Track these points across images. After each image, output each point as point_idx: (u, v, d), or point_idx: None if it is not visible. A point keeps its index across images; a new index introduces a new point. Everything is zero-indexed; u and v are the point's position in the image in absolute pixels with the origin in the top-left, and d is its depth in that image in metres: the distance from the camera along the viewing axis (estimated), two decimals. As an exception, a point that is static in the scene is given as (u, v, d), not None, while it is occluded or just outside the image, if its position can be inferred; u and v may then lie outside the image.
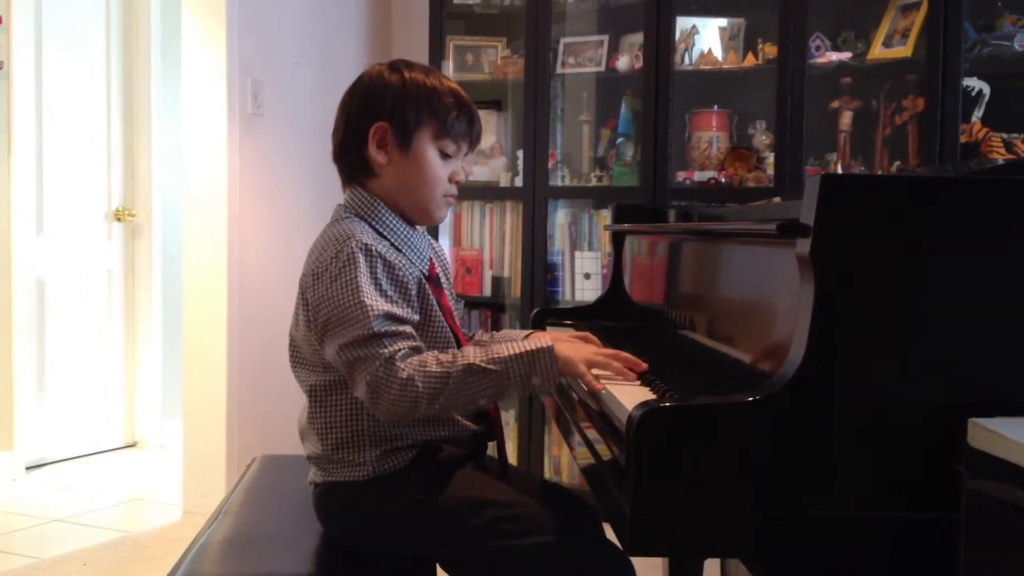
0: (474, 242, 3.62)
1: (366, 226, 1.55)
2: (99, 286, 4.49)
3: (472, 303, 3.62)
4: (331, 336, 1.45)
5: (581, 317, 2.24)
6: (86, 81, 4.38)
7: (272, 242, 3.51)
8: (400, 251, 1.56)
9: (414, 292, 1.53)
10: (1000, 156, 2.81)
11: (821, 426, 1.11)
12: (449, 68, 3.60)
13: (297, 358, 1.59)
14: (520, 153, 3.47)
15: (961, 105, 2.84)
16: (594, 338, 1.65)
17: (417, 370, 1.41)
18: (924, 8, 2.92)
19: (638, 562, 1.49)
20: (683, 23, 3.31)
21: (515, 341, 1.49)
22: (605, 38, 3.46)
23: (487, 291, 3.60)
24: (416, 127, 1.57)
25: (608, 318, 2.23)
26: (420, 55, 3.51)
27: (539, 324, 2.21)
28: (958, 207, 1.15)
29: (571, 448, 1.64)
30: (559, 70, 3.50)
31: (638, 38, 3.34)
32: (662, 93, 3.23)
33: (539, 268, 3.43)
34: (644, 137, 3.28)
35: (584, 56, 3.49)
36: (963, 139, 2.85)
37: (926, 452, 1.11)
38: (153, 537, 3.29)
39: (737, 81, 3.36)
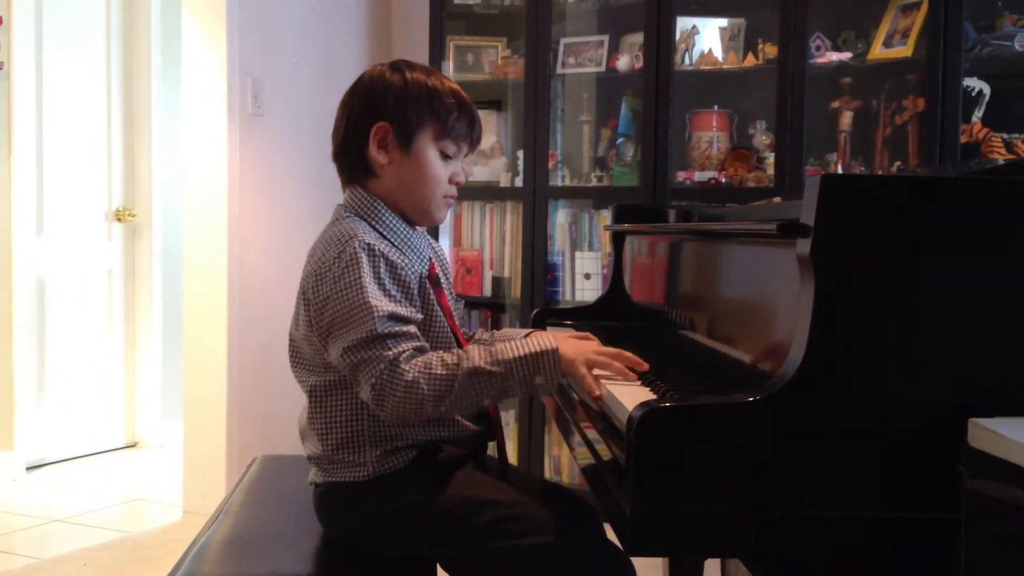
0: (474, 242, 3.62)
1: (367, 226, 1.55)
2: (99, 286, 4.49)
3: (472, 303, 3.62)
4: (335, 337, 1.45)
5: (581, 317, 2.24)
6: (86, 81, 4.38)
7: (272, 242, 3.51)
8: (401, 251, 1.56)
9: (416, 292, 1.54)
10: (1000, 156, 2.81)
11: (821, 426, 1.11)
12: (449, 68, 3.60)
13: (297, 358, 1.59)
14: (520, 153, 3.47)
15: (961, 105, 2.84)
16: (595, 339, 1.65)
17: (422, 372, 1.41)
18: (924, 8, 2.92)
19: (638, 562, 1.49)
20: (683, 23, 3.31)
21: (518, 341, 1.48)
22: (605, 38, 3.46)
23: (487, 291, 3.60)
24: (417, 127, 1.57)
25: (608, 318, 2.23)
26: (420, 55, 3.51)
27: (539, 324, 2.21)
28: (958, 207, 1.15)
29: (571, 448, 1.64)
30: (559, 70, 3.50)
31: (638, 38, 3.34)
32: (662, 93, 3.23)
33: (539, 268, 3.43)
34: (644, 137, 3.28)
35: (584, 56, 3.49)
36: (963, 139, 2.85)
37: (926, 452, 1.11)
38: (153, 537, 3.29)
39: (737, 81, 3.36)
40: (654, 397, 1.29)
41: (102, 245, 4.49)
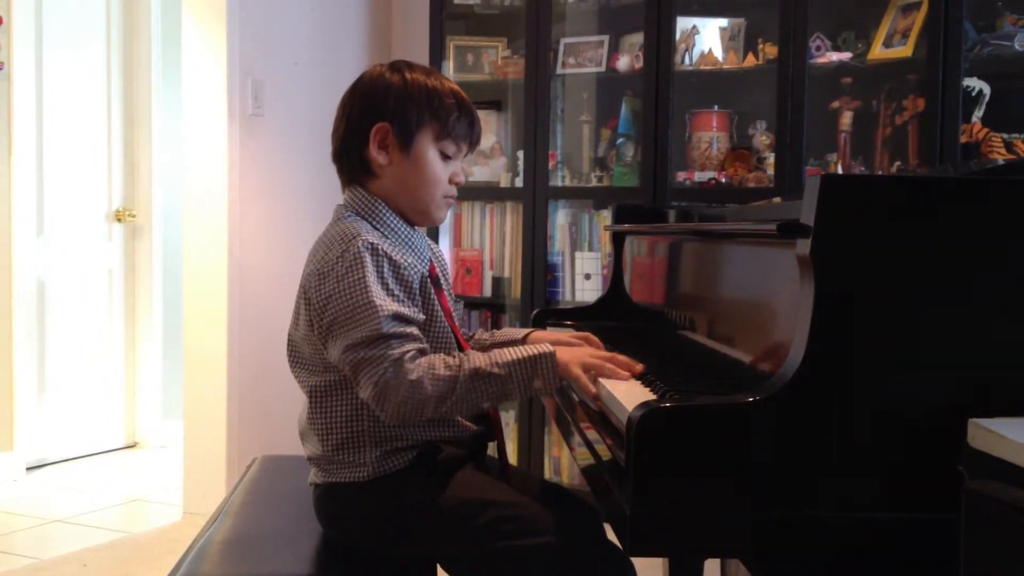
0: (474, 242, 3.62)
1: (369, 226, 1.55)
2: (99, 286, 4.49)
3: (472, 303, 3.62)
4: (337, 335, 1.45)
5: (581, 318, 2.24)
6: (87, 81, 4.38)
7: (272, 242, 3.51)
8: (403, 251, 1.56)
9: (418, 291, 1.54)
10: (1000, 156, 2.81)
11: (821, 426, 1.11)
12: (449, 68, 3.60)
13: (296, 358, 1.59)
14: (520, 153, 3.47)
15: (961, 105, 2.84)
16: (595, 339, 1.65)
17: (426, 372, 1.41)
18: (924, 8, 2.92)
19: (638, 562, 1.49)
20: (683, 23, 3.31)
21: (517, 346, 1.49)
22: (605, 38, 3.46)
23: (487, 291, 3.60)
24: (417, 128, 1.57)
25: (608, 319, 2.23)
26: (420, 55, 3.51)
27: (539, 325, 2.21)
28: (958, 207, 1.15)
29: (571, 448, 1.64)
30: (559, 70, 3.50)
31: (638, 38, 3.34)
32: (662, 93, 3.23)
33: (539, 268, 3.43)
34: (644, 137, 3.28)
35: (584, 56, 3.49)
36: (963, 139, 2.84)
37: (926, 452, 1.11)
38: (153, 537, 3.29)
39: (737, 81, 3.36)
40: (654, 398, 1.29)
41: (102, 245, 4.49)
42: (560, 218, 3.47)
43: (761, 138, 3.27)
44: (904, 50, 2.98)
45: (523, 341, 1.67)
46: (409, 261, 1.53)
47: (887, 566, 1.13)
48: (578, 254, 3.45)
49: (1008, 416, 1.06)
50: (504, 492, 1.52)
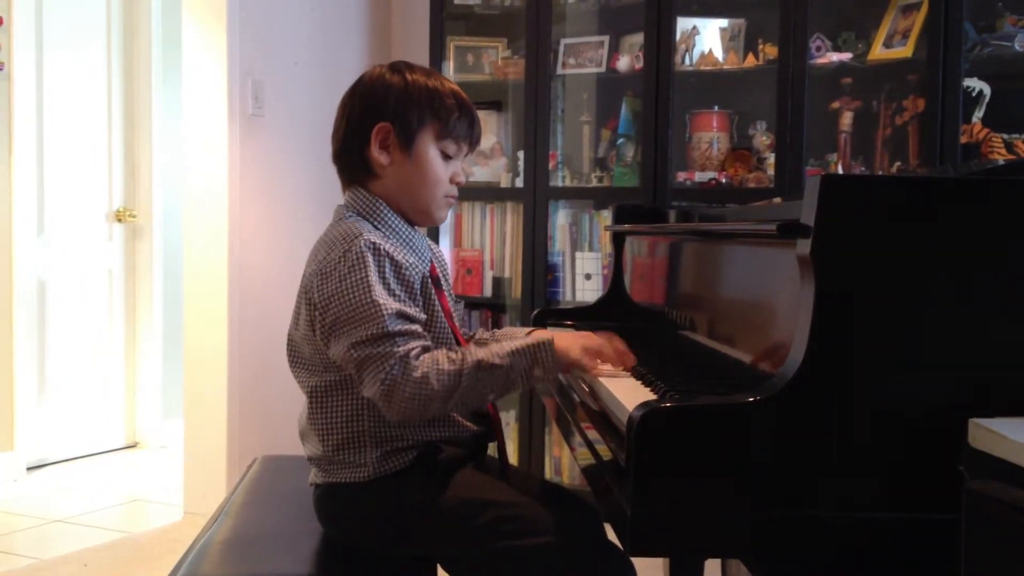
0: (475, 243, 3.62)
1: (370, 226, 1.55)
2: (100, 287, 4.49)
3: (473, 304, 3.63)
4: (340, 334, 1.45)
5: (581, 318, 2.24)
6: (87, 82, 4.39)
7: (272, 242, 3.51)
8: (404, 251, 1.56)
9: (419, 291, 1.54)
10: (1001, 157, 2.81)
11: (821, 426, 1.11)
12: (450, 69, 3.60)
13: (296, 359, 1.59)
14: (521, 154, 3.47)
15: (962, 106, 2.84)
16: (618, 338, 1.64)
17: (430, 368, 1.41)
18: (924, 8, 2.92)
19: (638, 562, 1.50)
20: (683, 24, 3.31)
21: (516, 337, 1.51)
22: (606, 39, 3.46)
23: (488, 292, 3.60)
24: (419, 128, 1.58)
25: (609, 319, 2.23)
26: (420, 56, 3.51)
27: (540, 325, 2.21)
28: (958, 208, 1.15)
29: (572, 448, 1.64)
30: (559, 71, 3.50)
31: (638, 39, 3.34)
32: (663, 94, 3.23)
33: (540, 269, 3.43)
34: (644, 138, 3.28)
35: (584, 57, 3.49)
36: (964, 140, 2.84)
37: (926, 452, 1.11)
38: (154, 537, 3.29)
39: (738, 82, 3.36)
40: (654, 397, 1.29)
41: (102, 245, 4.50)
42: (560, 218, 3.48)
43: (761, 138, 3.27)
44: (904, 50, 2.98)
45: None
46: (410, 261, 1.54)
47: (887, 566, 1.13)
48: (578, 254, 3.45)
49: (1008, 416, 1.07)
50: (504, 492, 1.52)
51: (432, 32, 3.59)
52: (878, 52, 3.06)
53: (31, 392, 4.09)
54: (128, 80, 4.56)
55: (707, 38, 3.35)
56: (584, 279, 3.43)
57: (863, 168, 3.12)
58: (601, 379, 1.50)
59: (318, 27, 3.71)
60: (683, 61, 3.31)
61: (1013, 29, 2.89)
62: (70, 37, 4.29)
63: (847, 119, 3.13)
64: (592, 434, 1.40)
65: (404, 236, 1.59)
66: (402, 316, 1.45)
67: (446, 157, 1.61)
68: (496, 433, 1.65)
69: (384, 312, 1.43)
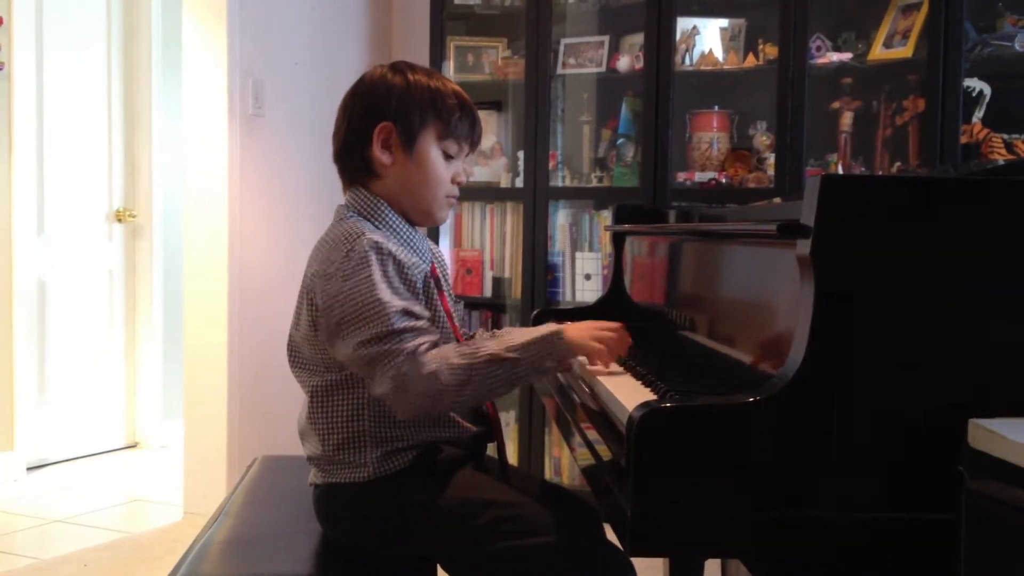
0: (475, 243, 3.62)
1: (372, 226, 1.55)
2: (100, 287, 4.49)
3: (473, 304, 3.63)
4: (347, 334, 1.45)
5: (581, 318, 2.22)
6: (87, 82, 4.39)
7: (273, 242, 3.51)
8: (406, 250, 1.56)
9: (421, 291, 1.54)
10: (1001, 157, 2.81)
11: (821, 426, 1.11)
12: (450, 69, 3.60)
13: (297, 359, 1.59)
14: (521, 154, 3.47)
15: (962, 106, 2.84)
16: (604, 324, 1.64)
17: (441, 363, 1.41)
18: (925, 9, 2.92)
19: (638, 562, 1.49)
20: (684, 24, 3.31)
21: (525, 329, 1.51)
22: (606, 39, 3.46)
23: (488, 292, 3.60)
24: (420, 128, 1.58)
25: (608, 319, 2.23)
26: (421, 56, 3.51)
27: (539, 325, 2.20)
28: (959, 208, 1.15)
29: (571, 449, 1.64)
30: (560, 71, 3.50)
31: (639, 39, 3.34)
32: (663, 94, 3.23)
33: (540, 269, 3.43)
34: (645, 138, 3.28)
35: (585, 57, 3.49)
36: (964, 140, 2.85)
37: (926, 453, 1.11)
38: (154, 537, 3.29)
39: (738, 82, 3.36)
40: (654, 397, 1.30)
41: (102, 245, 4.50)
42: (560, 218, 3.48)
43: (761, 138, 3.27)
44: (904, 51, 2.99)
45: None
46: (412, 260, 1.54)
47: (887, 566, 1.13)
48: (578, 254, 3.45)
49: (1008, 416, 1.06)
50: (504, 492, 1.52)
51: (432, 32, 3.59)
52: (878, 52, 3.06)
53: (31, 392, 4.09)
54: (128, 80, 4.56)
55: (707, 38, 3.35)
56: (584, 279, 3.43)
57: (863, 168, 3.12)
58: (601, 379, 1.50)
59: (318, 27, 3.71)
60: (683, 61, 3.32)
61: (1013, 29, 2.89)
62: (70, 37, 4.29)
63: (847, 119, 3.13)
64: (592, 434, 1.40)
65: (405, 236, 1.59)
66: (408, 313, 1.45)
67: (447, 157, 1.61)
68: (496, 433, 1.65)
69: (390, 310, 1.43)
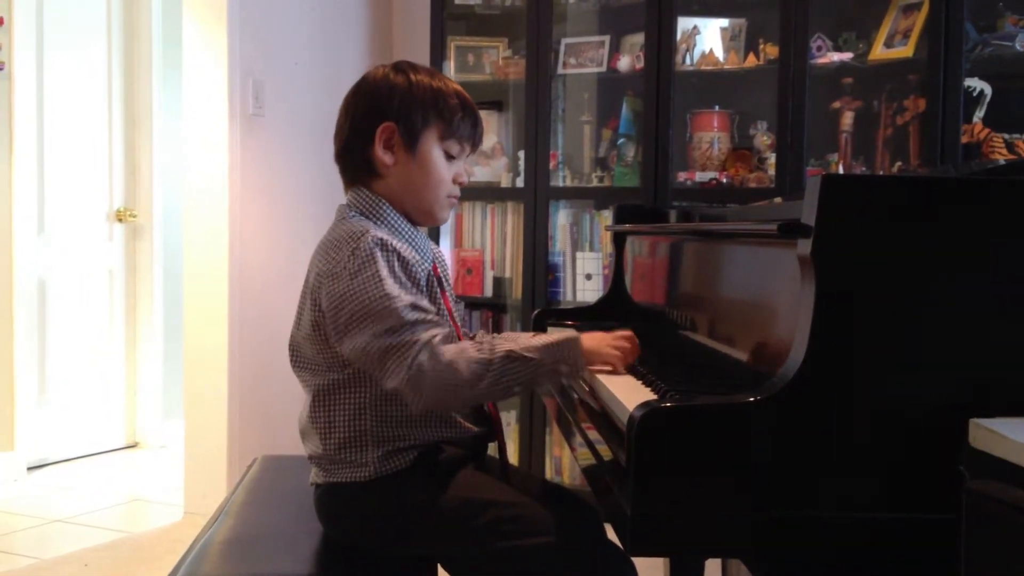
0: (475, 243, 3.62)
1: (373, 225, 1.55)
2: (100, 286, 4.49)
3: (473, 304, 3.62)
4: (358, 330, 1.44)
5: (582, 318, 2.24)
6: (87, 82, 4.39)
7: (273, 242, 3.51)
8: (408, 249, 1.56)
9: (425, 289, 1.54)
10: (1002, 156, 2.81)
11: (821, 426, 1.11)
12: (450, 69, 3.60)
13: (298, 360, 1.59)
14: (521, 154, 3.47)
15: (963, 105, 2.84)
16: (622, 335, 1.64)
17: (458, 355, 1.41)
18: (925, 8, 2.92)
19: (638, 562, 1.49)
20: (684, 23, 3.31)
21: (541, 334, 1.51)
22: (606, 38, 3.46)
23: (488, 292, 3.60)
24: (423, 128, 1.58)
25: (609, 319, 2.23)
26: (421, 56, 3.51)
27: (540, 325, 2.21)
28: (959, 208, 1.15)
29: (572, 448, 1.64)
30: (560, 70, 3.50)
31: (639, 38, 3.34)
32: (663, 93, 3.23)
33: (540, 269, 3.43)
34: (645, 137, 3.28)
35: (585, 56, 3.49)
36: (964, 140, 2.84)
37: (926, 452, 1.11)
38: (154, 537, 3.29)
39: (738, 81, 3.36)
40: (655, 397, 1.29)
41: (103, 245, 4.50)
42: (561, 218, 3.47)
43: (762, 138, 3.27)
44: (905, 50, 2.98)
45: None
46: (416, 258, 1.54)
47: (887, 566, 1.13)
48: (579, 254, 3.45)
49: (1008, 416, 1.06)
50: (505, 492, 1.52)
51: (433, 32, 3.58)
52: (879, 52, 3.06)
53: (31, 392, 4.09)
54: (128, 80, 4.56)
55: (708, 38, 3.35)
56: (585, 279, 3.43)
57: (864, 168, 3.12)
58: (602, 379, 1.50)
59: (318, 27, 3.71)
60: (684, 61, 3.31)
61: (1014, 29, 2.89)
62: (71, 37, 4.29)
63: (848, 119, 3.13)
64: (592, 434, 1.40)
65: (407, 236, 1.59)
66: (417, 307, 1.45)
67: (449, 157, 1.61)
68: (497, 433, 1.65)
69: (400, 303, 1.43)
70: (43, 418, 4.17)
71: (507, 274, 3.57)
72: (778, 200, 2.15)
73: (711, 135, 3.34)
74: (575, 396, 1.63)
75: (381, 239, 1.48)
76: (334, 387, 1.53)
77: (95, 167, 4.43)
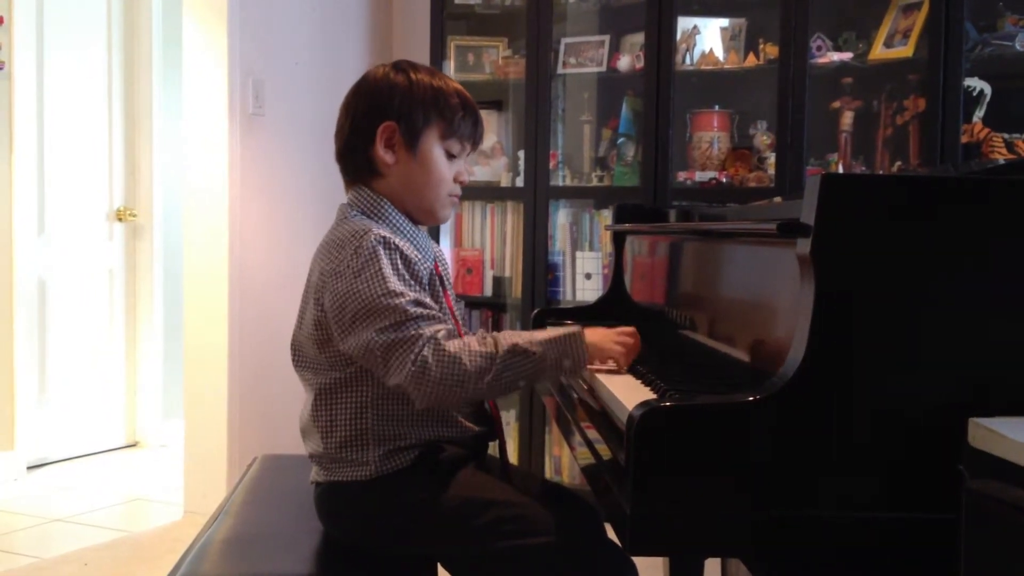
0: (475, 242, 3.62)
1: (375, 224, 1.55)
2: (100, 286, 4.49)
3: (473, 303, 3.63)
4: (361, 328, 1.44)
5: (582, 317, 2.24)
6: (87, 81, 4.39)
7: (273, 242, 3.51)
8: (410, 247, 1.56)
9: (427, 287, 1.54)
10: (1001, 156, 2.81)
11: (821, 426, 1.11)
12: (450, 68, 3.60)
13: (301, 359, 1.59)
14: (521, 153, 3.47)
15: (962, 105, 2.84)
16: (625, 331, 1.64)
17: (462, 349, 1.41)
18: (925, 8, 2.92)
19: (638, 562, 1.50)
20: (684, 23, 3.31)
21: (544, 329, 1.51)
22: (606, 38, 3.46)
23: (488, 291, 3.60)
24: (424, 127, 1.58)
25: (609, 318, 2.23)
26: (421, 55, 3.51)
27: (539, 324, 2.21)
28: (959, 207, 1.15)
29: (572, 448, 1.64)
30: (560, 70, 3.50)
31: (639, 38, 3.34)
32: (663, 93, 3.23)
33: (540, 268, 3.43)
34: (645, 137, 3.28)
35: (585, 56, 3.49)
36: (964, 139, 2.84)
37: (926, 452, 1.11)
38: (154, 537, 3.29)
39: (738, 81, 3.36)
40: (654, 396, 1.30)
41: (103, 245, 4.50)
42: (561, 218, 3.48)
43: (762, 138, 3.27)
44: (905, 50, 2.98)
45: None
46: (418, 256, 1.54)
47: (887, 566, 1.13)
48: (579, 254, 3.45)
49: (1008, 416, 1.07)
50: (505, 492, 1.52)
51: (433, 31, 3.58)
52: (879, 52, 3.06)
53: (31, 392, 4.09)
54: (128, 80, 4.56)
55: (708, 38, 3.35)
56: (584, 278, 3.43)
57: (864, 168, 3.12)
58: (601, 378, 1.50)
59: (318, 26, 3.71)
60: (684, 61, 3.31)
61: (1014, 29, 2.89)
62: (71, 37, 4.29)
63: (848, 119, 3.13)
64: (592, 433, 1.40)
65: (408, 235, 1.59)
66: (421, 304, 1.45)
67: (450, 156, 1.61)
68: (497, 433, 1.65)
69: (403, 300, 1.43)
70: (43, 418, 4.17)
71: (507, 273, 3.57)
72: (778, 200, 2.15)
73: (711, 135, 3.34)
74: (575, 395, 1.63)
75: (384, 237, 1.48)
76: (336, 386, 1.53)
77: (95, 167, 4.43)
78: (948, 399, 1.11)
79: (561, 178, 3.52)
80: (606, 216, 3.40)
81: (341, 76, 3.32)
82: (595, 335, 1.52)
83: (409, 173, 1.59)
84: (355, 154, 1.60)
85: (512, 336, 1.46)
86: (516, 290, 3.53)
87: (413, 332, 1.41)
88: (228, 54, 3.30)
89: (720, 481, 1.10)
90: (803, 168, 3.04)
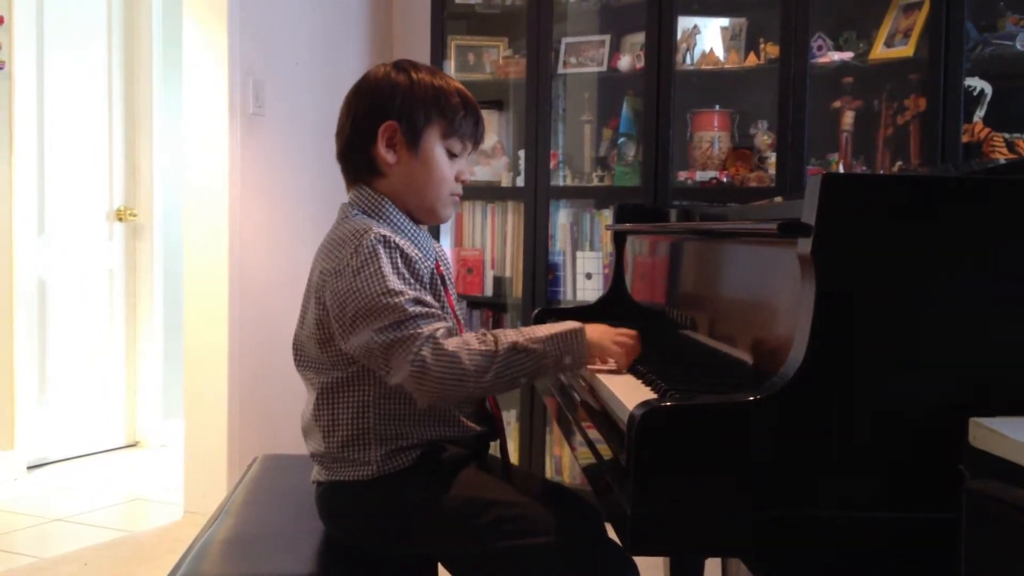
0: (476, 242, 3.62)
1: (376, 223, 1.55)
2: (100, 286, 4.49)
3: (474, 303, 3.63)
4: (362, 326, 1.44)
5: (582, 317, 2.23)
6: (88, 81, 4.39)
7: (273, 242, 3.51)
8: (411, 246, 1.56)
9: (428, 286, 1.54)
10: (1002, 156, 2.81)
11: (821, 426, 1.11)
12: (451, 68, 3.60)
13: (302, 359, 1.59)
14: (522, 153, 3.47)
15: (963, 105, 2.84)
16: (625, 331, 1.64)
17: (461, 347, 1.41)
18: (926, 8, 2.92)
19: (639, 561, 1.50)
20: (685, 23, 3.31)
21: (545, 325, 1.51)
22: (607, 38, 3.46)
23: (488, 291, 3.60)
24: (425, 127, 1.58)
25: (609, 318, 2.22)
26: (421, 55, 3.51)
27: (540, 324, 2.20)
28: (959, 207, 1.15)
29: (572, 448, 1.64)
30: (561, 70, 3.50)
31: (640, 38, 3.34)
32: (664, 93, 3.22)
33: (540, 268, 3.43)
34: (646, 137, 3.28)
35: (586, 56, 3.49)
36: (965, 139, 2.84)
37: (926, 452, 1.11)
38: (154, 537, 3.29)
39: (739, 81, 3.36)
40: (655, 396, 1.29)
41: (103, 245, 4.50)
42: (561, 217, 3.47)
43: (762, 138, 3.27)
44: (905, 50, 2.98)
45: None
46: (419, 255, 1.54)
47: (887, 566, 1.13)
48: (579, 253, 3.45)
49: (1008, 416, 1.06)
50: (506, 492, 1.52)
51: (433, 31, 3.58)
52: (879, 51, 3.06)
53: (31, 391, 4.09)
54: (129, 80, 4.56)
55: (708, 37, 3.35)
56: (585, 278, 3.43)
57: (864, 167, 3.12)
58: (602, 378, 1.50)
59: (319, 26, 3.71)
60: (684, 60, 3.31)
61: (1014, 28, 2.89)
62: (71, 36, 4.29)
63: (848, 118, 3.13)
64: (593, 433, 1.40)
65: (409, 234, 1.59)
66: (421, 302, 1.45)
67: (451, 155, 1.61)
68: (499, 432, 1.65)
69: (403, 298, 1.43)
70: (43, 417, 4.17)
71: (507, 273, 3.57)
72: (778, 199, 2.15)
73: (711, 134, 3.34)
74: (575, 395, 1.63)
75: (384, 236, 1.48)
76: (338, 385, 1.53)
77: (95, 167, 4.43)
78: (948, 399, 1.11)
79: (562, 178, 3.52)
80: (607, 216, 3.40)
81: (341, 76, 3.32)
82: (596, 332, 1.52)
83: (410, 172, 1.59)
84: (356, 154, 1.60)
85: (513, 333, 1.46)
86: (517, 290, 3.53)
87: (412, 331, 1.41)
88: (228, 54, 3.30)
89: (721, 481, 1.10)
90: (804, 168, 3.04)
